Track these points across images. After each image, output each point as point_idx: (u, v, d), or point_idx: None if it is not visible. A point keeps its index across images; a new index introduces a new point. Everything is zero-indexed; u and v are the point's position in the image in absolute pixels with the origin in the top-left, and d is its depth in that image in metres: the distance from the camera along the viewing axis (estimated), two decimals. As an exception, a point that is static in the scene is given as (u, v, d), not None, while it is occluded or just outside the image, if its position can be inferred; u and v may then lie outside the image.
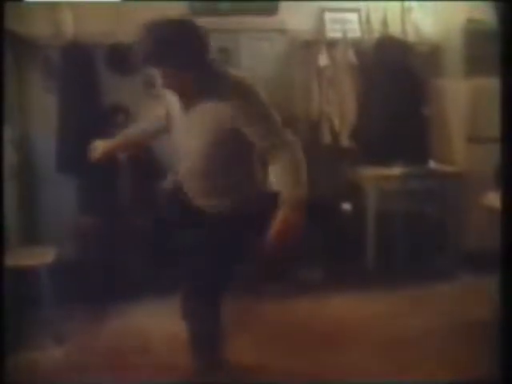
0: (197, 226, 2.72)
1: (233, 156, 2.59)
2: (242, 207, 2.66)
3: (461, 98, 4.78)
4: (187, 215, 2.77)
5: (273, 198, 2.53)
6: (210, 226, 2.68)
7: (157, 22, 2.39)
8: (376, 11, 4.99)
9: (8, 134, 4.21)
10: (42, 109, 4.69)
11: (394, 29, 4.97)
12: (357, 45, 4.92)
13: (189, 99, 2.52)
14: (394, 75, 4.82)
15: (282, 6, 4.94)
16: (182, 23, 2.41)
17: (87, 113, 4.57)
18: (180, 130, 2.63)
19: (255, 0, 4.89)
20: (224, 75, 2.51)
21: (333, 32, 4.95)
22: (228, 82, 2.48)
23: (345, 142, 4.92)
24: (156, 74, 2.49)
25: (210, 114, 2.48)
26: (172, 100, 2.63)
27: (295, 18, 4.93)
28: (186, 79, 2.44)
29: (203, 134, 2.52)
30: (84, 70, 4.59)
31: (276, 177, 2.53)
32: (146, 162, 4.50)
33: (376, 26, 5.01)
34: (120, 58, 4.65)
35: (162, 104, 2.82)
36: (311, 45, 4.92)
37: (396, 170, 4.67)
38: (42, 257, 3.66)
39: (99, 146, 2.91)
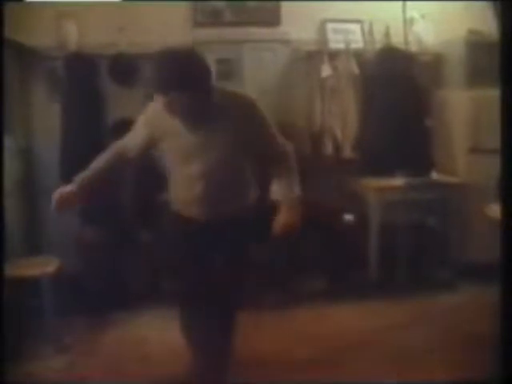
0: (199, 238, 2.80)
1: (238, 168, 2.75)
2: (243, 217, 2.80)
3: (463, 108, 4.77)
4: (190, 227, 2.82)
5: (272, 208, 2.79)
6: (214, 235, 2.77)
7: (164, 51, 2.51)
8: (378, 22, 4.99)
9: (12, 144, 4.23)
10: (45, 120, 4.71)
11: (397, 39, 4.97)
12: (359, 55, 4.92)
13: (194, 122, 2.58)
14: (397, 86, 4.81)
15: (285, 16, 4.96)
16: (187, 53, 2.51)
17: (91, 124, 4.59)
18: (185, 150, 2.68)
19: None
20: (224, 95, 2.62)
21: (335, 43, 4.96)
22: (229, 101, 2.61)
23: (347, 152, 4.91)
24: (159, 100, 2.53)
25: (218, 132, 2.59)
26: (168, 123, 2.64)
27: (298, 29, 4.94)
28: (191, 104, 2.49)
29: (211, 152, 2.63)
30: (88, 80, 4.60)
31: (274, 185, 2.80)
32: (148, 173, 4.51)
33: (378, 36, 5.01)
34: (123, 68, 4.66)
35: (140, 129, 2.84)
36: (314, 55, 4.92)
37: (398, 181, 4.65)
38: (44, 267, 3.67)
39: (63, 195, 2.78)
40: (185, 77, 2.41)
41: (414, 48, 4.98)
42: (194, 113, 2.54)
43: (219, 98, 2.58)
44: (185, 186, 2.76)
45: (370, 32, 5.03)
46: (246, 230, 2.82)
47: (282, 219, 2.71)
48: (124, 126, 4.58)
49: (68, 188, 2.79)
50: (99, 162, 2.88)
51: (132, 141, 2.87)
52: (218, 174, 2.67)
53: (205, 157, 2.64)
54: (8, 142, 4.07)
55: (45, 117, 4.71)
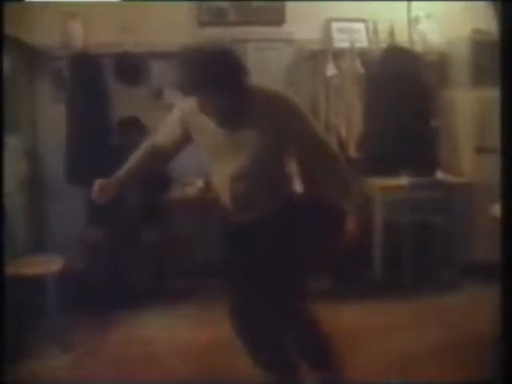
0: (239, 238, 2.76)
1: (275, 167, 2.64)
2: (279, 217, 2.66)
3: (468, 108, 4.77)
4: (229, 228, 2.80)
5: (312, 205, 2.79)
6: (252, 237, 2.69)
7: (191, 50, 2.38)
8: (383, 21, 4.98)
9: (18, 144, 4.25)
10: (51, 119, 4.72)
11: (401, 39, 4.96)
12: (364, 55, 4.92)
13: (226, 120, 2.50)
14: (401, 85, 4.80)
15: (289, 16, 4.95)
16: (217, 51, 2.39)
17: (96, 123, 4.60)
18: (219, 149, 2.59)
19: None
20: (258, 93, 2.50)
21: (340, 42, 4.96)
22: (262, 98, 2.48)
23: (352, 152, 4.91)
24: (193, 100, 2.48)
25: (252, 131, 2.48)
26: (202, 121, 2.56)
27: (302, 28, 4.94)
28: (222, 103, 2.42)
29: (245, 151, 2.52)
30: (93, 80, 4.61)
31: (331, 190, 2.68)
32: (153, 173, 4.51)
33: (383, 35, 5.01)
34: (128, 68, 4.67)
35: (174, 126, 2.72)
36: (318, 55, 4.92)
37: (403, 181, 4.65)
38: (48, 265, 3.68)
39: (102, 186, 2.67)
40: (216, 76, 2.33)
41: (418, 47, 4.97)
42: (225, 111, 2.46)
43: (252, 95, 2.47)
44: (221, 185, 2.68)
45: (375, 31, 5.02)
46: (284, 229, 2.65)
47: (351, 227, 2.69)
48: (129, 124, 4.64)
49: (106, 181, 2.68)
50: (131, 162, 2.79)
51: (165, 137, 2.76)
52: (253, 174, 2.56)
53: (238, 156, 2.53)
54: (14, 141, 4.10)
55: (50, 116, 4.72)
